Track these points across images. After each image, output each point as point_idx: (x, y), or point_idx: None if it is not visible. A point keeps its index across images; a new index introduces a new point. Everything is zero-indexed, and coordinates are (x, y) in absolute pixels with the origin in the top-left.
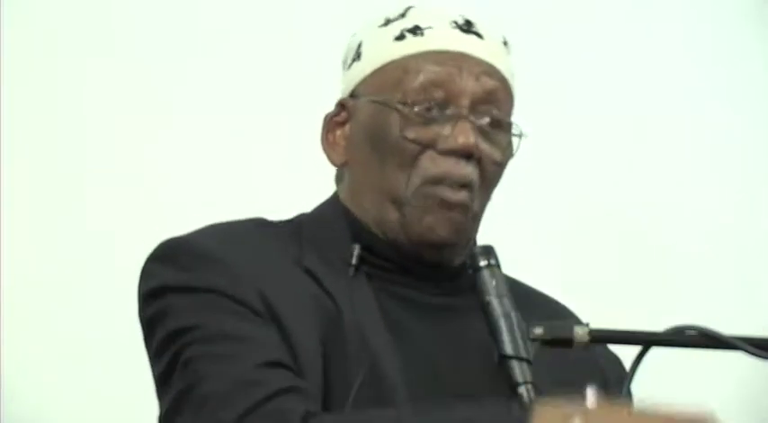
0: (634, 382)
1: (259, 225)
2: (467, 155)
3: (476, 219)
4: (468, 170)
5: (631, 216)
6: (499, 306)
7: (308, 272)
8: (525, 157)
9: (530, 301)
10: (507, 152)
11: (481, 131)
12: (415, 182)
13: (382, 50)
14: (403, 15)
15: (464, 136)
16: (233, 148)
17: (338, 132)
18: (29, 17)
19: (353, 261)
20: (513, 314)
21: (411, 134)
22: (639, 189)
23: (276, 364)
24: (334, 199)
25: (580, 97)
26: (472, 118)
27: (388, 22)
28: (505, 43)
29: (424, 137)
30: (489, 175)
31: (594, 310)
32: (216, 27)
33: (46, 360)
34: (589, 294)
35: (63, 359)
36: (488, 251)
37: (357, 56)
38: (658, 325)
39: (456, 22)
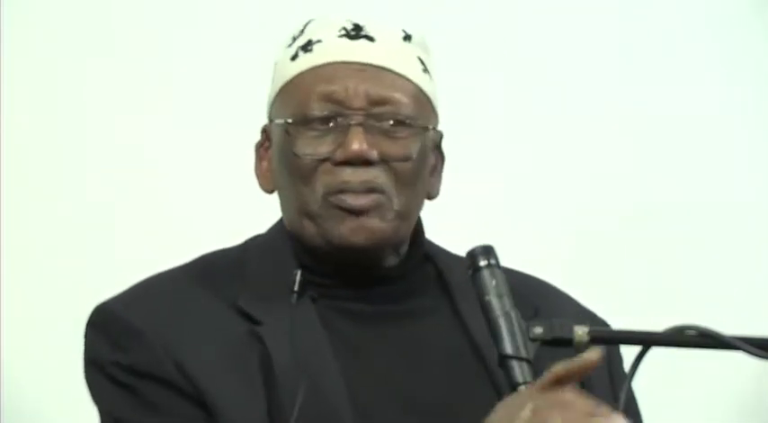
0: (634, 382)
1: (194, 271)
2: (365, 161)
3: (402, 217)
4: (369, 175)
5: (631, 215)
6: (499, 305)
7: (243, 312)
8: (525, 156)
9: (516, 291)
10: (419, 147)
11: (382, 132)
12: (319, 193)
13: (282, 72)
14: (302, 32)
15: (356, 142)
16: (233, 148)
17: (267, 159)
18: (29, 17)
19: (295, 287)
20: (513, 314)
21: (306, 150)
22: (640, 188)
23: None
24: (280, 224)
25: (580, 93)
26: (368, 122)
27: (293, 40)
28: (406, 37)
29: (319, 151)
30: (402, 173)
31: (595, 309)
32: (216, 26)
33: (46, 360)
34: (589, 294)
35: (63, 359)
36: (488, 251)
37: (271, 80)
38: (658, 325)
39: (345, 29)
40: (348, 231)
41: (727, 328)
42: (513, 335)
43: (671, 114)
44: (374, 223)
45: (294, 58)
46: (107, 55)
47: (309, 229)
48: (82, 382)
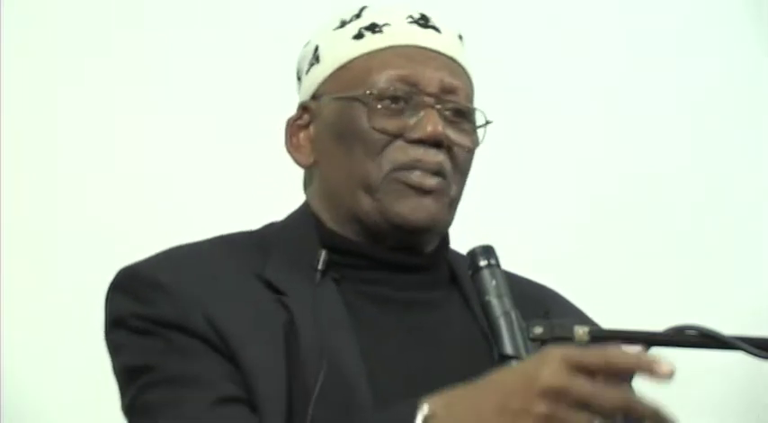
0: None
1: (218, 244)
2: (436, 143)
3: (452, 205)
4: (439, 158)
5: (630, 214)
6: (499, 306)
7: (268, 283)
8: (525, 155)
9: (527, 294)
10: (474, 140)
11: (448, 120)
12: (385, 168)
13: (342, 50)
14: (358, 16)
15: (432, 125)
16: (233, 148)
17: (302, 135)
18: (29, 17)
19: (320, 266)
20: (513, 314)
21: (378, 125)
22: (640, 187)
23: (228, 401)
24: (304, 206)
25: (578, 92)
26: (439, 107)
27: (343, 23)
28: (460, 37)
29: (392, 127)
30: (461, 162)
31: (593, 309)
32: (216, 26)
33: (46, 360)
34: (588, 294)
35: (63, 359)
36: (488, 251)
37: (315, 59)
38: (658, 325)
39: (412, 17)
40: (408, 209)
41: (726, 328)
42: (513, 335)
43: (672, 114)
44: (434, 206)
45: (359, 37)
46: (107, 55)
47: (365, 202)
48: (82, 383)
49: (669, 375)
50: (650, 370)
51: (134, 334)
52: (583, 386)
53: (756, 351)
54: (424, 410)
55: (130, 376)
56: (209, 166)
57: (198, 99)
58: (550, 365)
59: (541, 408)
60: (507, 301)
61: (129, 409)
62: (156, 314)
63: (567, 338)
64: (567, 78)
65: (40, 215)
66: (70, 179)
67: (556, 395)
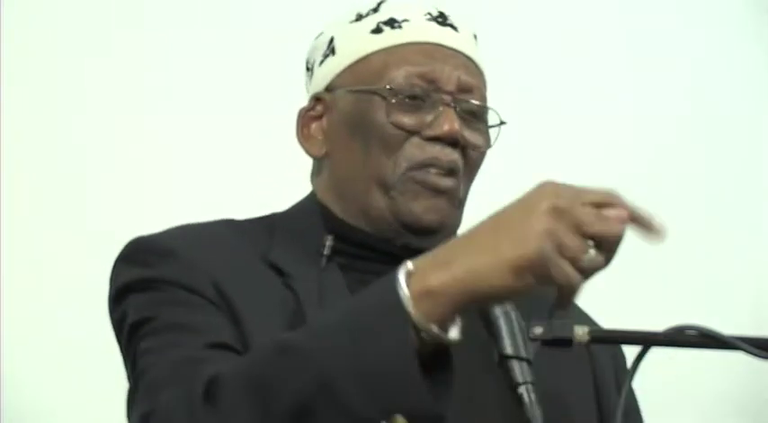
0: (634, 382)
1: (226, 224)
2: (452, 142)
3: (461, 205)
4: (454, 156)
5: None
6: (498, 305)
7: (273, 266)
8: (526, 155)
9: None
10: (488, 140)
11: (463, 119)
12: (402, 166)
13: (359, 43)
14: (375, 10)
15: (449, 123)
16: (233, 147)
17: (314, 126)
18: (29, 17)
19: (325, 251)
20: (512, 314)
21: (396, 120)
22: (637, 188)
23: (223, 347)
24: (311, 196)
25: (577, 92)
26: (455, 106)
27: (360, 17)
28: (475, 37)
29: (410, 123)
30: (472, 162)
31: (593, 308)
32: (215, 27)
33: (46, 360)
34: (588, 293)
35: (63, 359)
36: None
37: (330, 51)
38: (658, 325)
39: (430, 14)
40: (422, 209)
41: (726, 328)
42: (512, 335)
43: (672, 114)
44: (446, 206)
45: (377, 31)
46: (107, 55)
47: (379, 199)
48: (82, 382)
49: (661, 234)
50: (647, 226)
51: (138, 295)
52: (585, 209)
53: (756, 351)
54: (408, 266)
55: (134, 334)
56: (209, 165)
57: (198, 99)
58: (550, 191)
59: (544, 223)
60: (507, 302)
61: (132, 370)
62: (161, 274)
63: (567, 338)
64: (567, 78)
65: (40, 215)
66: (70, 179)
67: (559, 212)
